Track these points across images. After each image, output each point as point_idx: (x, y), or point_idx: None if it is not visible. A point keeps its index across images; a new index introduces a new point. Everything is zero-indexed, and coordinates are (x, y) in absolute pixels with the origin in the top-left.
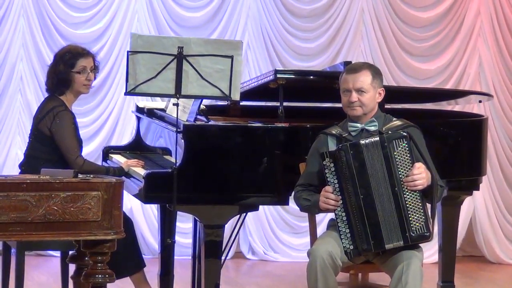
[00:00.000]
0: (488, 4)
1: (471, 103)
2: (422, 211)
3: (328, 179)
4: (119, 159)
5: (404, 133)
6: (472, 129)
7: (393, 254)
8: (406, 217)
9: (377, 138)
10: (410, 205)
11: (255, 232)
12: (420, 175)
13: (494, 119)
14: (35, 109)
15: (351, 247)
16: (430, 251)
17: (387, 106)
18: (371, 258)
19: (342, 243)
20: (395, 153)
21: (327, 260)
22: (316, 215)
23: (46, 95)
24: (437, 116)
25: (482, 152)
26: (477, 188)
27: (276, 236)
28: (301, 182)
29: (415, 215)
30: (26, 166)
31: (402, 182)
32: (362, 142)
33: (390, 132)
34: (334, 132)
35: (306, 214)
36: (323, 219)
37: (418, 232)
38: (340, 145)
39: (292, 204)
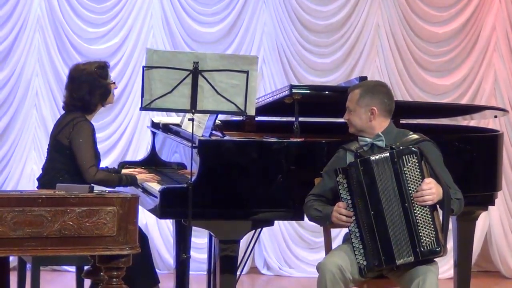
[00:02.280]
0: (503, 20)
1: (486, 118)
2: (432, 226)
3: (341, 195)
4: None
5: (414, 149)
6: (487, 144)
7: (408, 269)
8: (416, 232)
9: (387, 154)
10: (420, 220)
11: (270, 247)
12: (430, 190)
13: (509, 134)
14: (51, 125)
15: (364, 262)
16: (445, 267)
17: (403, 121)
18: (386, 273)
19: (356, 258)
20: (405, 168)
21: (337, 274)
22: (332, 230)
23: (62, 110)
24: (452, 132)
25: (498, 167)
26: (493, 204)
27: (291, 251)
28: (314, 192)
29: (426, 231)
30: (45, 178)
31: (412, 198)
32: (372, 158)
33: (401, 147)
34: (352, 148)
35: (321, 229)
36: (338, 234)
37: (428, 248)
38: (350, 161)
39: (307, 219)
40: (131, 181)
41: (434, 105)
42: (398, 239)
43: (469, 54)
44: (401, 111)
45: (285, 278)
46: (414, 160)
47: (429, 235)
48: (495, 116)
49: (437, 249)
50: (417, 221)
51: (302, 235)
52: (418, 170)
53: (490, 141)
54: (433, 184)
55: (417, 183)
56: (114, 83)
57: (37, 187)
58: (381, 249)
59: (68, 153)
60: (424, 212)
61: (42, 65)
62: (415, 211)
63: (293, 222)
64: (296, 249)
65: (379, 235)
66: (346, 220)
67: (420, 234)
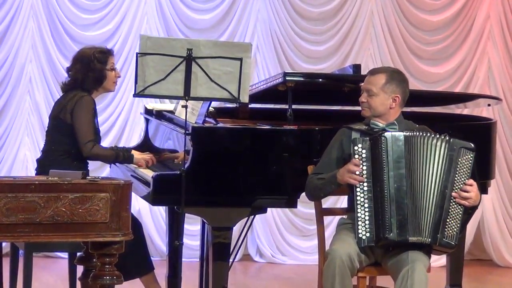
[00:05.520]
0: (497, 8)
1: (480, 107)
2: (459, 222)
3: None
4: None
5: (473, 145)
6: (480, 133)
7: (398, 253)
8: (444, 220)
9: (447, 138)
10: (452, 211)
11: (263, 234)
12: (471, 193)
13: (502, 123)
14: (44, 110)
15: (368, 234)
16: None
17: None
18: (379, 258)
19: (358, 229)
20: (459, 159)
21: (346, 262)
22: (325, 218)
23: (55, 96)
24: (446, 120)
25: (491, 155)
26: (486, 192)
27: (284, 239)
28: (316, 171)
29: (453, 222)
30: (45, 160)
31: (456, 188)
32: (418, 134)
33: (456, 139)
34: (361, 128)
35: (314, 217)
36: (331, 222)
37: (448, 239)
38: (384, 132)
39: (300, 207)
40: (128, 158)
41: (428, 93)
42: (419, 217)
43: (463, 43)
44: None
45: (278, 266)
46: (470, 156)
47: (454, 228)
48: (489, 105)
49: (453, 244)
50: (450, 210)
51: (295, 222)
52: (469, 167)
53: (483, 129)
54: (475, 188)
55: (463, 178)
56: (114, 69)
57: (36, 169)
58: (397, 223)
59: (70, 133)
60: (458, 207)
61: (35, 51)
62: (452, 201)
63: (286, 209)
64: (289, 236)
65: (398, 209)
66: (357, 177)
67: (447, 223)
